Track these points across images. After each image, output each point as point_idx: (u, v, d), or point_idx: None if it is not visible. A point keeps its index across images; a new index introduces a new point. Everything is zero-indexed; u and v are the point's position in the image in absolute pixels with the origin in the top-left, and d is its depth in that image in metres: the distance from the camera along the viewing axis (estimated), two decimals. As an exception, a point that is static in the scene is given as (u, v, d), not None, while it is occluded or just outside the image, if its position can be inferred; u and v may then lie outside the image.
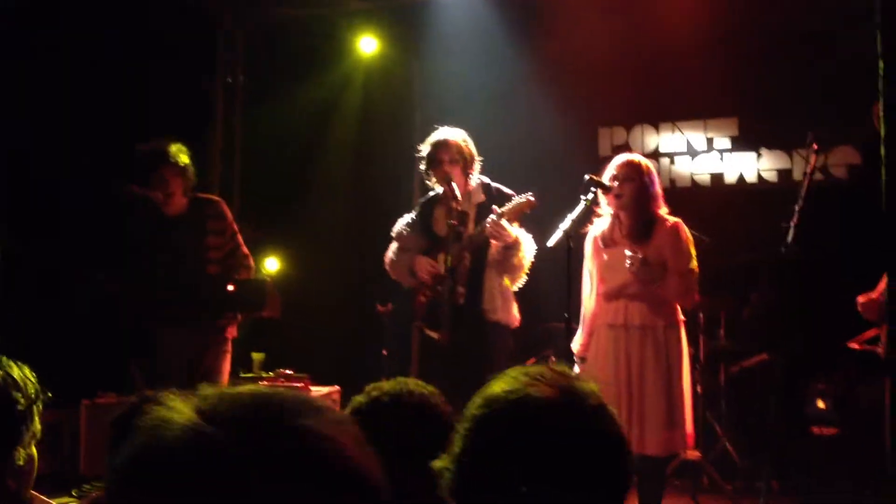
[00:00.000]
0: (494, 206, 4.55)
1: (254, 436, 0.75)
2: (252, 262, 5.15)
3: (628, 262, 4.27)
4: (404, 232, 5.01)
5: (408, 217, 5.06)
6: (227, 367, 5.07)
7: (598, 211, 4.53)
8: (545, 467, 1.22)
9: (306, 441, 0.77)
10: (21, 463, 1.95)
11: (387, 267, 5.04)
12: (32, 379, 1.99)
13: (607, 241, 4.50)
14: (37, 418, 1.98)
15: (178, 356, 4.89)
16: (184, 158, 4.90)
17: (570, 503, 1.23)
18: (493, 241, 4.63)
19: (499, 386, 1.33)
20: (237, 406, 0.79)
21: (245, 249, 5.06)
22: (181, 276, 4.87)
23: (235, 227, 5.07)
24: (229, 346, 5.06)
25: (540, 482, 1.21)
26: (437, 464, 1.32)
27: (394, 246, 5.03)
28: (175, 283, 4.86)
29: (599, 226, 4.55)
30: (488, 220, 4.52)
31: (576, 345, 4.55)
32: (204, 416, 0.77)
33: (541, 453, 1.23)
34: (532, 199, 4.51)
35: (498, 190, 4.84)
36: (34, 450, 2.01)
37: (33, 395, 1.96)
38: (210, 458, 0.74)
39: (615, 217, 4.49)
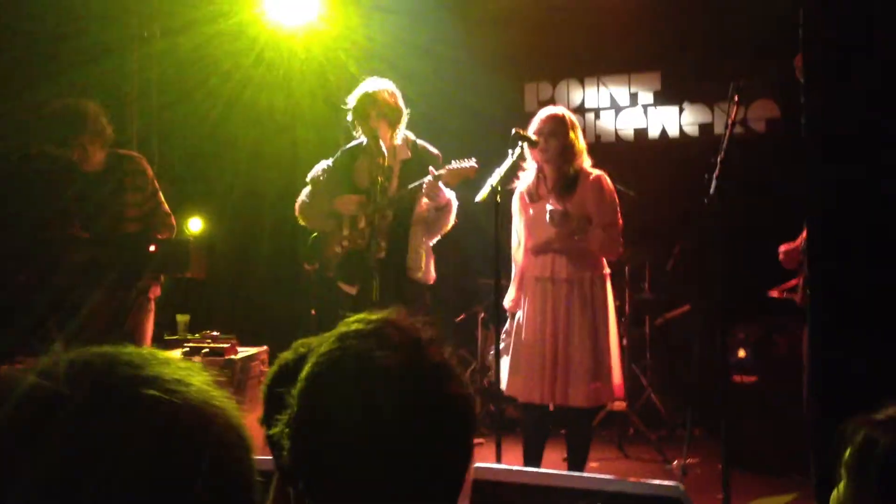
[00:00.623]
0: (432, 168, 4.54)
1: (89, 388, 0.76)
2: (174, 222, 5.03)
3: (548, 215, 4.31)
4: (321, 177, 4.92)
5: (325, 163, 4.98)
6: (149, 327, 4.96)
7: (524, 165, 4.55)
8: (380, 435, 1.12)
9: (140, 389, 0.77)
10: None
11: (297, 211, 4.95)
12: None
13: (533, 195, 4.52)
14: None
15: (100, 317, 4.77)
16: (102, 121, 4.74)
17: (409, 469, 1.14)
18: (423, 201, 4.62)
19: (333, 343, 1.20)
20: (73, 363, 0.79)
21: (166, 208, 4.93)
22: (99, 233, 4.73)
23: (156, 184, 4.93)
24: (152, 307, 4.95)
25: (374, 451, 1.12)
26: (275, 430, 1.21)
27: (307, 190, 4.95)
28: (93, 240, 4.72)
29: (525, 181, 4.57)
30: (426, 179, 4.50)
31: (507, 300, 4.59)
32: (43, 375, 0.78)
33: (377, 420, 1.13)
34: (474, 165, 4.50)
35: (424, 147, 4.81)
36: None
37: None
38: (43, 408, 0.75)
39: (540, 171, 4.51)
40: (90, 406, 0.75)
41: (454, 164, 4.54)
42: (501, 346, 4.52)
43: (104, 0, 6.41)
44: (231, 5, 6.69)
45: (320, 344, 1.24)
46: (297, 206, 4.97)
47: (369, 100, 4.71)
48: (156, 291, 4.95)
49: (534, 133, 4.41)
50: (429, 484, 1.16)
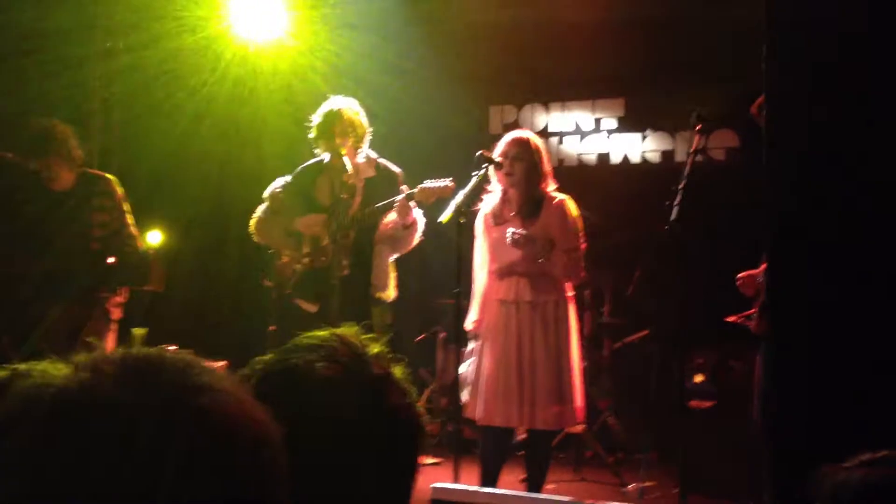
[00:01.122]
0: (405, 186, 4.57)
1: (138, 385, 0.75)
2: (138, 244, 4.99)
3: (508, 237, 4.33)
4: (279, 195, 4.92)
5: (282, 180, 4.98)
6: (111, 340, 4.91)
7: (488, 188, 4.57)
8: (317, 446, 1.11)
9: (189, 394, 0.76)
10: None
11: (252, 228, 4.95)
12: None
13: (497, 218, 4.54)
14: None
15: (57, 331, 4.72)
16: (71, 143, 4.72)
17: (349, 482, 1.14)
18: (388, 218, 4.64)
19: (277, 355, 1.22)
20: (116, 361, 0.78)
21: (133, 230, 4.91)
22: (61, 250, 4.69)
23: (125, 206, 4.90)
24: (112, 324, 4.91)
25: (311, 463, 1.08)
26: None
27: (264, 206, 4.94)
28: (55, 257, 4.68)
29: (489, 203, 4.59)
30: (399, 197, 4.53)
31: (469, 322, 4.59)
32: (82, 370, 0.76)
33: (312, 431, 1.12)
34: (451, 184, 4.52)
35: (386, 167, 4.84)
36: None
37: None
38: (96, 405, 0.73)
39: (505, 194, 4.54)
40: (140, 414, 0.73)
41: (428, 183, 4.56)
42: (462, 367, 4.53)
43: (67, 14, 6.34)
44: (197, 21, 6.66)
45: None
46: (252, 222, 4.96)
47: (333, 117, 4.72)
48: (117, 313, 4.91)
49: (500, 156, 4.44)
50: (372, 497, 1.16)
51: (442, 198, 4.55)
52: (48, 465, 0.71)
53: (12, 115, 5.68)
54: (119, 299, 4.93)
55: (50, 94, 5.97)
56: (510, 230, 4.36)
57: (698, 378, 5.53)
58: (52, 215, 4.72)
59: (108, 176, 4.97)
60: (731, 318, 4.83)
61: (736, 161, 6.67)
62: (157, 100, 6.81)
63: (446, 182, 4.55)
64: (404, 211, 4.58)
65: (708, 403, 5.43)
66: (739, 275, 4.51)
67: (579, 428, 5.84)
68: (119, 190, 4.91)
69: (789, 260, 3.06)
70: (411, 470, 1.20)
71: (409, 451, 1.20)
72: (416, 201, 4.58)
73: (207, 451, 0.74)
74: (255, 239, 5.02)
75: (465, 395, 4.46)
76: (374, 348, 1.25)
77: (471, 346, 4.57)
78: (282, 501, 0.82)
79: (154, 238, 7.03)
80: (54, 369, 0.77)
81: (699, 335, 5.23)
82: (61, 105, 6.02)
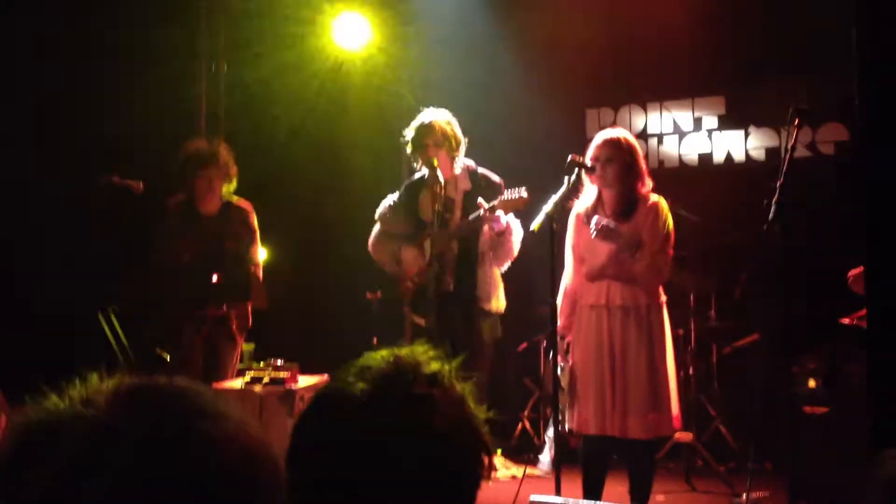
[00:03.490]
0: (481, 201, 4.57)
1: (129, 410, 0.77)
2: (258, 273, 5.18)
3: (593, 227, 4.21)
4: (388, 215, 4.99)
5: (391, 199, 5.04)
6: (232, 358, 5.12)
7: (582, 190, 4.49)
8: (364, 467, 1.12)
9: (185, 418, 0.78)
10: None
11: (370, 249, 5.03)
12: None
13: (590, 219, 4.44)
14: None
15: (189, 348, 4.95)
16: (230, 163, 4.99)
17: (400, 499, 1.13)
18: (485, 228, 4.65)
19: (332, 377, 1.25)
20: (109, 390, 0.80)
21: (256, 259, 5.11)
22: (199, 273, 4.93)
23: (256, 236, 5.18)
24: (238, 339, 5.10)
25: (363, 483, 1.11)
26: None
27: (377, 229, 5.02)
28: (194, 279, 4.92)
29: (583, 202, 4.49)
30: (480, 212, 4.53)
31: (558, 325, 4.51)
32: (79, 401, 0.79)
33: (355, 452, 1.12)
34: (525, 195, 4.51)
35: (485, 177, 4.84)
36: None
37: None
38: (88, 431, 0.75)
39: (599, 195, 4.44)
40: (130, 436, 0.75)
41: (505, 195, 4.57)
42: (559, 374, 4.46)
43: (173, 35, 6.57)
44: (295, 38, 6.82)
45: None
46: (369, 243, 5.04)
47: (426, 130, 4.75)
48: (239, 324, 5.09)
49: (591, 158, 4.35)
50: None
51: (520, 208, 4.51)
52: (51, 493, 0.72)
53: (123, 136, 5.93)
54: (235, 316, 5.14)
55: (157, 112, 6.19)
56: (594, 218, 4.25)
57: (812, 383, 5.30)
58: (196, 240, 5.04)
59: (248, 207, 5.17)
60: (844, 320, 4.63)
61: (846, 155, 6.39)
62: (257, 116, 7.00)
63: (522, 192, 4.53)
64: (491, 222, 4.58)
65: (822, 409, 5.20)
66: (850, 272, 4.30)
67: (687, 436, 5.69)
68: (254, 220, 5.11)
69: (887, 256, 2.90)
70: (466, 490, 1.17)
71: (461, 471, 1.18)
72: (497, 212, 4.58)
73: (199, 472, 0.75)
74: (374, 258, 5.10)
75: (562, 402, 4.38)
76: (433, 367, 1.23)
77: (561, 350, 4.48)
78: None
79: (259, 255, 7.20)
80: (55, 403, 0.79)
81: (812, 338, 5.02)
82: (168, 123, 6.25)
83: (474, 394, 1.26)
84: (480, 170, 4.89)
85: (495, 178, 4.85)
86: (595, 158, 4.34)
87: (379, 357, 1.23)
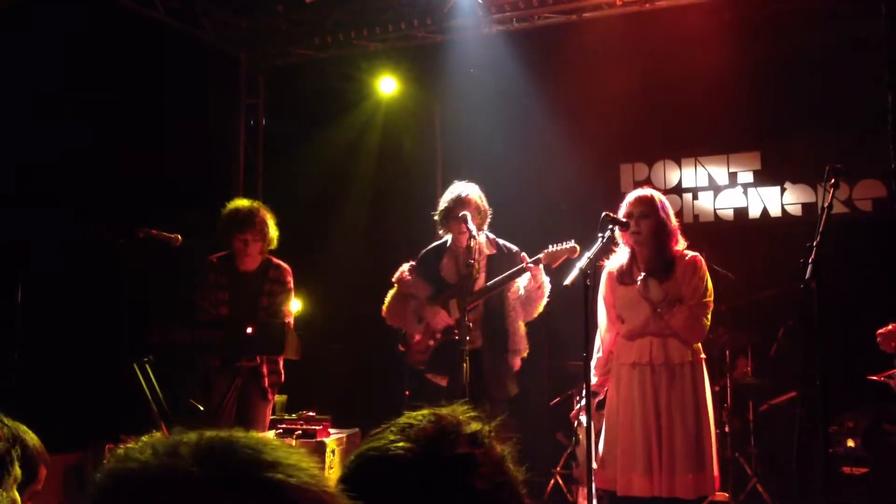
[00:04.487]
0: (525, 255, 4.74)
1: (211, 461, 0.79)
2: (289, 329, 5.23)
3: (640, 284, 4.26)
4: (407, 278, 5.09)
5: (407, 265, 5.17)
6: (264, 412, 5.15)
7: (615, 249, 4.48)
8: None
9: (261, 469, 0.80)
10: None
11: (384, 312, 5.13)
12: (10, 425, 2.00)
13: (625, 277, 4.42)
14: (16, 463, 1.99)
15: (221, 399, 4.98)
16: (268, 224, 5.10)
17: None
18: (515, 287, 4.73)
19: (371, 436, 1.24)
20: (192, 442, 0.82)
21: (289, 310, 5.17)
22: (233, 325, 5.00)
23: (291, 295, 5.30)
24: (270, 395, 5.13)
25: None
26: None
27: (393, 292, 5.12)
28: (229, 331, 4.99)
29: (616, 261, 4.48)
30: (527, 263, 4.61)
31: (592, 379, 4.47)
32: (163, 451, 0.81)
33: None
34: (576, 246, 4.61)
35: (506, 245, 5.05)
36: (16, 494, 2.01)
37: (10, 441, 1.97)
38: (173, 482, 0.78)
39: (632, 254, 4.43)
40: (218, 487, 0.78)
41: (553, 247, 4.69)
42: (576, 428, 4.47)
43: (213, 90, 6.72)
44: (335, 94, 6.93)
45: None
46: (384, 307, 5.13)
47: (458, 202, 4.90)
48: (274, 378, 5.13)
49: (624, 215, 4.35)
50: None
51: (569, 259, 4.59)
52: None
53: (163, 187, 6.04)
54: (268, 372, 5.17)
55: (197, 165, 6.31)
56: (641, 277, 4.29)
57: (850, 443, 5.20)
58: (235, 295, 5.18)
59: (286, 267, 5.28)
60: (872, 377, 4.55)
61: (885, 212, 6.34)
62: (295, 169, 7.11)
63: (571, 244, 4.67)
64: (535, 274, 4.76)
65: (861, 470, 5.09)
66: (879, 331, 4.24)
67: (724, 496, 5.59)
68: (290, 280, 5.21)
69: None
70: None
71: None
72: (542, 264, 4.68)
73: None
74: (389, 322, 5.17)
75: (594, 461, 4.32)
76: (474, 426, 1.23)
77: (592, 407, 4.43)
78: None
79: (294, 307, 7.25)
80: (138, 452, 0.82)
81: (850, 397, 4.94)
82: (208, 176, 6.36)
83: (513, 454, 1.26)
84: (500, 240, 5.11)
85: (513, 246, 5.11)
86: (628, 215, 4.34)
87: (420, 416, 1.23)
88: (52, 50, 5.83)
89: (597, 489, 4.41)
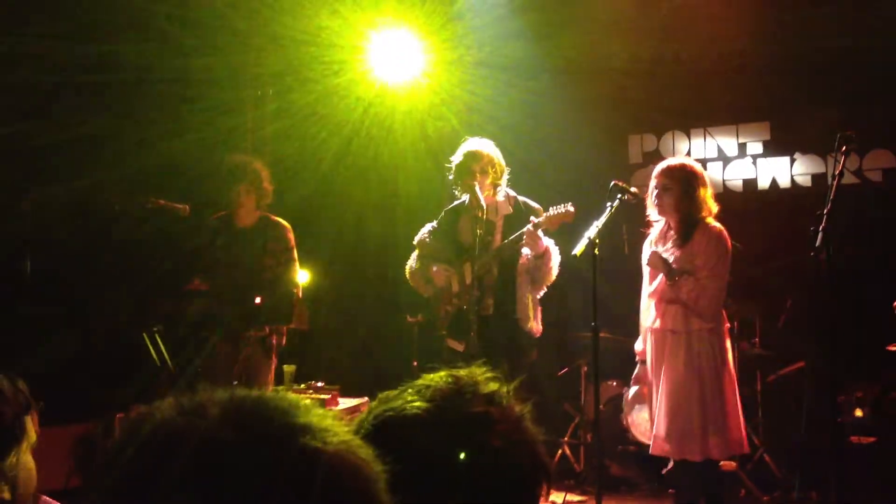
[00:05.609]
0: (533, 217, 4.60)
1: (240, 425, 0.77)
2: (298, 292, 5.24)
3: (644, 255, 4.34)
4: (427, 239, 5.01)
5: (429, 226, 5.07)
6: (268, 376, 5.17)
7: (650, 218, 4.56)
8: (422, 483, 1.11)
9: (293, 434, 0.78)
10: (13, 473, 1.96)
11: (408, 275, 5.05)
12: (24, 391, 2.01)
13: (658, 244, 4.55)
14: (30, 427, 2.00)
15: (214, 365, 5.00)
16: (262, 177, 5.09)
17: None
18: (523, 252, 4.65)
19: (386, 397, 1.24)
20: (221, 402, 0.80)
21: (294, 276, 5.17)
22: (235, 287, 5.01)
23: (294, 254, 5.25)
24: (273, 357, 5.15)
25: (421, 500, 1.09)
26: None
27: (415, 254, 5.04)
28: (229, 294, 5.00)
29: (656, 229, 4.61)
30: (527, 228, 4.54)
31: (638, 344, 4.65)
32: (189, 409, 0.80)
33: (413, 469, 1.10)
34: (572, 209, 4.57)
35: (525, 203, 4.86)
36: (30, 458, 2.02)
37: (23, 407, 1.98)
38: (200, 440, 0.75)
39: (666, 222, 4.53)
40: (250, 454, 0.75)
41: (552, 210, 4.61)
42: (631, 393, 4.56)
43: (221, 64, 6.69)
44: (340, 65, 6.89)
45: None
46: (406, 270, 5.06)
47: (471, 158, 4.78)
48: (277, 341, 5.15)
49: (653, 187, 4.43)
50: None
51: (567, 222, 4.54)
52: (147, 493, 0.73)
53: (175, 160, 6.03)
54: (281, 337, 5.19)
55: (207, 138, 6.30)
56: (649, 247, 4.36)
57: (858, 412, 5.21)
58: (232, 253, 5.15)
59: (285, 224, 5.27)
60: (892, 347, 4.55)
61: (894, 182, 6.30)
62: (302, 141, 7.08)
63: (567, 207, 4.56)
64: (533, 241, 4.58)
65: (869, 439, 5.10)
66: (894, 303, 4.25)
67: (731, 465, 5.61)
68: (291, 237, 5.19)
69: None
70: None
71: (518, 488, 1.18)
72: (542, 230, 4.59)
73: (312, 489, 0.75)
74: (412, 285, 5.12)
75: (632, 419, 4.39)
76: (491, 387, 1.23)
77: (639, 369, 4.58)
78: None
79: (301, 277, 7.26)
80: (165, 408, 0.80)
81: (859, 366, 4.94)
82: (217, 148, 6.35)
83: (533, 415, 1.27)
84: (521, 197, 4.92)
85: (535, 204, 4.87)
86: (655, 186, 4.40)
87: (438, 377, 1.24)
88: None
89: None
